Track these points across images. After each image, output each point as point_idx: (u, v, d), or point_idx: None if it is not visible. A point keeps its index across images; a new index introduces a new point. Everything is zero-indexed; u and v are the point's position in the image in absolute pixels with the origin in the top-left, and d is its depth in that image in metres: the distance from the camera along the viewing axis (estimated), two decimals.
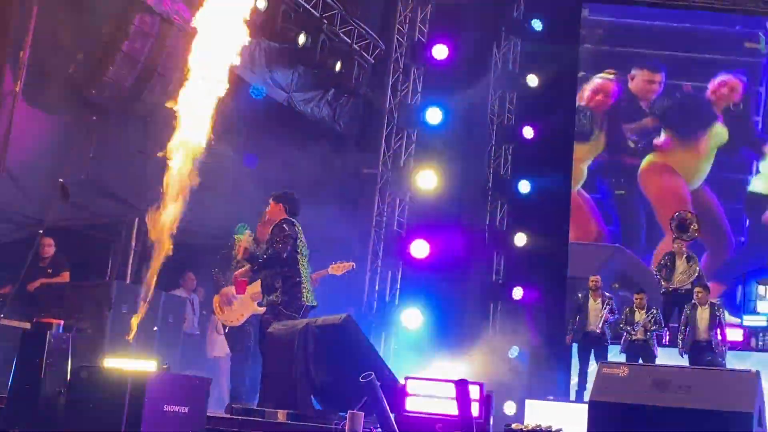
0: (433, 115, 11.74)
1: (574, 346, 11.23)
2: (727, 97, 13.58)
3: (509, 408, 11.37)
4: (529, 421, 9.97)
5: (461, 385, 5.33)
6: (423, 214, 11.84)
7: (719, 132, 13.49)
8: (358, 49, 11.00)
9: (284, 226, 6.69)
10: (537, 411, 10.10)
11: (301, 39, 9.91)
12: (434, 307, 11.49)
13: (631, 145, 13.57)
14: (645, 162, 13.59)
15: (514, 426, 5.58)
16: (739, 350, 11.20)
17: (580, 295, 11.17)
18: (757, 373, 6.45)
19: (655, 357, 10.69)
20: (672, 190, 13.38)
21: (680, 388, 6.35)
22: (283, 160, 9.83)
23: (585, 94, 13.53)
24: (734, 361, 10.89)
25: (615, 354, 10.90)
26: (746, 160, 13.58)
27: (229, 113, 9.13)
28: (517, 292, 12.26)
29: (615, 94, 13.61)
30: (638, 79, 13.67)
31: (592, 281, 11.21)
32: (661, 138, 13.61)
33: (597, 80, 13.61)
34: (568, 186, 12.92)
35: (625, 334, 10.83)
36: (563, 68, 12.55)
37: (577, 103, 13.48)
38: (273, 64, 10.30)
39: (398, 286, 11.79)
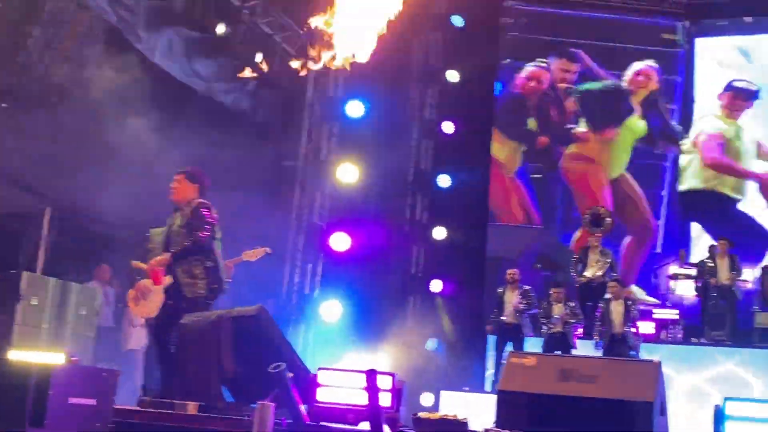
0: (355, 109, 11.81)
1: (492, 338, 11.48)
2: (644, 86, 14.03)
3: (426, 399, 11.54)
4: (443, 411, 10.17)
5: (371, 375, 5.42)
6: (344, 207, 11.91)
7: (636, 122, 13.98)
8: (279, 40, 10.99)
9: (206, 210, 6.62)
10: (452, 402, 10.30)
11: (220, 29, 9.86)
12: (354, 299, 11.57)
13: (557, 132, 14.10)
14: (567, 150, 14.09)
15: (421, 415, 5.70)
16: (650, 342, 11.61)
17: (500, 289, 11.43)
18: (659, 363, 6.73)
19: (572, 349, 10.99)
20: (591, 179, 13.88)
21: (585, 377, 6.58)
22: (203, 150, 9.75)
23: (519, 81, 13.97)
24: (646, 354, 11.29)
25: (533, 346, 11.19)
26: (663, 149, 14.17)
27: (148, 102, 9.10)
28: (436, 285, 12.44)
29: (547, 81, 14.05)
30: (554, 68, 14.11)
31: (510, 274, 11.49)
32: (581, 127, 14.09)
33: (530, 68, 14.03)
34: (486, 179, 13.18)
35: (543, 327, 11.13)
36: (483, 63, 12.76)
37: (511, 90, 13.93)
38: (193, 54, 10.22)
39: (318, 279, 11.82)
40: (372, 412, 5.47)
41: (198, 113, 10.20)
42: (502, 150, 13.88)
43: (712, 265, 11.73)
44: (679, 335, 11.73)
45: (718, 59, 14.09)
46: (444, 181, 12.83)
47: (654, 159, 14.12)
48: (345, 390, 6.42)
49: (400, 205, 12.73)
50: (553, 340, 10.87)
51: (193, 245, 6.50)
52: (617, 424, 6.31)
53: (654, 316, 12.01)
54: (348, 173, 11.81)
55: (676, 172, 14.02)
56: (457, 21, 12.67)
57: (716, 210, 13.80)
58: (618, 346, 10.57)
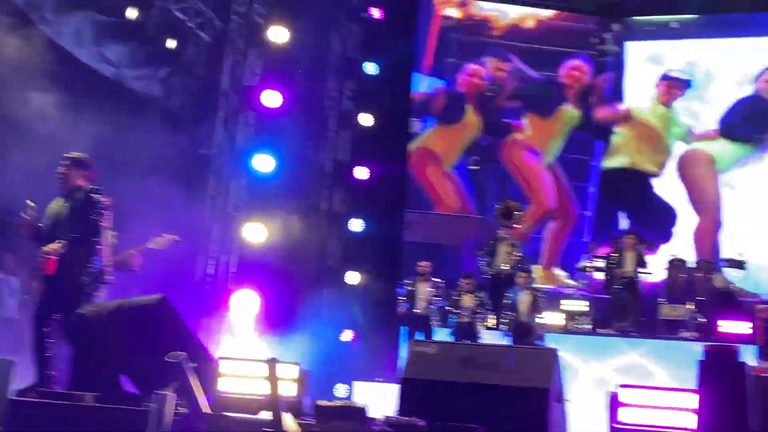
0: (272, 98, 11.77)
1: (404, 329, 11.63)
2: (578, 80, 14.83)
3: (340, 390, 11.63)
4: (355, 401, 10.26)
5: (271, 365, 5.45)
6: (259, 197, 11.86)
7: (571, 112, 14.76)
8: (193, 27, 10.89)
9: (97, 197, 6.54)
10: (364, 392, 10.41)
11: (131, 13, 9.71)
12: (269, 290, 11.55)
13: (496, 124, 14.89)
14: (509, 139, 14.82)
15: (321, 403, 5.76)
16: (559, 333, 11.93)
17: (411, 280, 11.60)
18: (555, 351, 6.94)
19: (479, 339, 11.22)
20: (532, 167, 14.66)
21: (486, 364, 6.75)
22: (111, 136, 9.60)
23: (461, 78, 14.66)
24: (554, 344, 11.59)
25: (443, 336, 11.39)
26: (589, 143, 15.04)
27: (54, 87, 8.90)
28: (351, 277, 12.52)
29: (488, 77, 14.82)
30: (489, 66, 14.84)
31: (421, 266, 11.68)
32: (520, 119, 14.89)
33: (471, 65, 14.70)
34: (404, 172, 13.32)
35: (452, 317, 11.35)
36: (401, 56, 12.90)
37: (454, 87, 14.60)
38: (103, 39, 10.05)
39: (232, 270, 11.76)
40: (272, 402, 5.50)
41: (106, 98, 10.02)
42: (440, 143, 14.42)
43: (619, 257, 12.10)
44: (587, 326, 12.07)
45: (646, 61, 15.01)
46: (361, 172, 12.90)
47: (583, 155, 14.95)
48: (247, 379, 6.46)
49: (317, 196, 12.77)
50: (461, 330, 11.08)
51: (84, 233, 6.42)
52: (515, 411, 6.50)
53: (562, 307, 12.34)
54: (264, 164, 11.76)
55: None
56: (375, 13, 12.75)
57: (635, 191, 14.71)
58: (524, 335, 10.83)
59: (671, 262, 12.50)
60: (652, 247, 13.25)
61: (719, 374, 5.90)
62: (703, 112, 14.86)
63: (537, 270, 13.51)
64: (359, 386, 10.77)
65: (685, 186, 14.65)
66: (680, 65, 14.99)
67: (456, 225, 14.04)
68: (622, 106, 15.06)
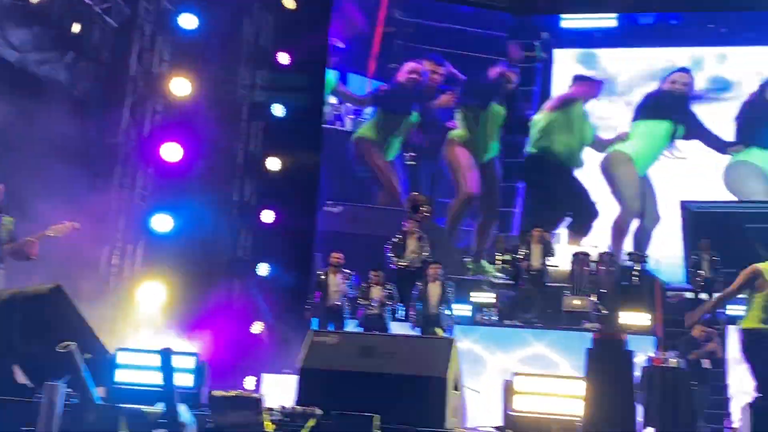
0: (180, 86, 11.66)
1: (315, 321, 11.71)
2: (504, 84, 15.80)
3: (249, 382, 11.64)
4: (264, 393, 10.31)
5: (165, 355, 5.47)
6: (168, 187, 11.75)
7: (499, 110, 15.60)
8: (100, 12, 10.70)
9: None
10: (273, 384, 10.47)
11: None
12: (176, 281, 11.47)
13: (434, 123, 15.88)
14: (448, 137, 15.64)
15: (216, 393, 5.80)
16: (467, 325, 12.20)
17: (321, 272, 11.69)
18: (453, 340, 7.14)
19: (388, 330, 11.38)
20: (464, 163, 15.42)
21: (385, 354, 6.90)
22: (15, 124, 9.39)
23: (401, 75, 15.56)
24: (462, 336, 11.86)
25: (353, 327, 11.52)
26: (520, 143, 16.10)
27: None
28: (263, 268, 12.53)
29: (425, 76, 15.72)
30: (426, 68, 15.80)
31: (334, 258, 11.78)
32: (455, 119, 15.75)
33: (411, 63, 15.60)
34: (317, 164, 13.38)
35: (362, 308, 11.48)
36: (314, 47, 12.94)
37: (395, 83, 15.43)
38: (6, 23, 9.80)
39: (139, 260, 11.63)
40: (167, 392, 5.52)
41: (9, 83, 9.78)
42: (380, 134, 15.25)
43: (526, 251, 12.43)
44: (494, 317, 12.37)
45: (571, 67, 16.20)
46: (273, 163, 12.91)
47: (515, 158, 16.10)
48: (143, 370, 6.45)
49: (228, 186, 12.72)
50: (370, 322, 11.22)
51: None
52: (413, 399, 6.66)
53: (471, 299, 12.62)
54: (172, 153, 11.65)
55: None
56: (288, 3, 12.75)
57: (553, 174, 15.66)
58: (432, 326, 11.04)
59: (575, 255, 12.91)
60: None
61: (606, 362, 6.17)
62: (618, 113, 15.89)
63: (468, 262, 13.91)
64: (268, 378, 10.82)
65: (608, 183, 15.61)
66: (603, 72, 16.02)
67: (394, 218, 14.22)
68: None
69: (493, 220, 15.69)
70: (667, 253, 15.14)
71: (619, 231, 15.43)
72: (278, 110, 12.88)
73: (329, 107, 15.21)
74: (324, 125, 14.02)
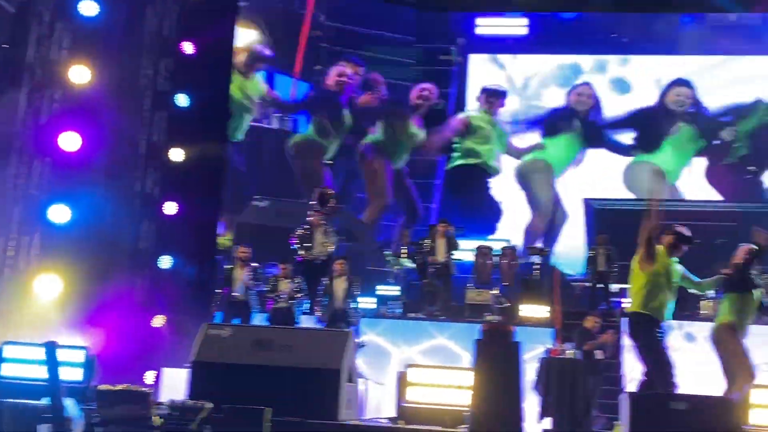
0: (80, 74, 11.44)
1: (220, 314, 11.72)
2: (426, 99, 16.72)
3: (149, 377, 11.53)
4: (165, 388, 10.30)
5: (50, 349, 5.44)
6: (66, 177, 11.53)
7: (415, 132, 16.68)
8: None
9: None
10: (173, 379, 10.41)
11: None
12: (75, 274, 11.27)
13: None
14: (364, 140, 16.50)
15: (102, 387, 5.80)
16: (372, 317, 12.39)
17: (228, 266, 11.71)
18: (349, 332, 7.29)
19: (297, 324, 11.48)
20: (379, 167, 16.21)
21: (281, 347, 7.00)
22: None
23: (330, 79, 16.33)
24: (367, 329, 12.06)
25: (260, 321, 11.59)
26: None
27: None
28: (165, 261, 12.42)
29: (352, 77, 16.44)
30: (348, 70, 16.52)
31: (240, 252, 11.82)
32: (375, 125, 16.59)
33: (338, 68, 16.30)
34: (222, 155, 13.33)
35: (270, 302, 11.56)
36: (220, 37, 12.86)
37: (325, 85, 16.21)
38: None
39: (35, 253, 11.38)
40: (51, 386, 5.49)
41: None
42: (319, 138, 16.07)
43: (431, 244, 12.69)
44: (399, 310, 12.59)
45: (486, 72, 17.24)
46: (177, 154, 12.78)
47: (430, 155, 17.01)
48: (30, 364, 6.38)
49: (129, 177, 12.53)
50: (279, 315, 11.31)
51: None
52: (307, 392, 6.79)
53: (377, 292, 12.81)
54: (72, 142, 11.42)
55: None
56: None
57: (474, 184, 16.55)
58: (339, 320, 11.19)
59: (479, 248, 13.25)
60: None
61: (494, 352, 6.39)
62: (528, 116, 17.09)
63: (388, 255, 14.20)
64: (169, 372, 10.75)
65: (523, 189, 16.68)
66: (517, 76, 17.23)
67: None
68: (461, 115, 16.18)
69: (414, 219, 16.37)
70: (573, 246, 15.78)
71: (531, 235, 16.07)
72: (182, 100, 12.74)
73: (256, 106, 15.61)
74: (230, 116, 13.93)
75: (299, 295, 11.47)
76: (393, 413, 7.60)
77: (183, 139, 12.84)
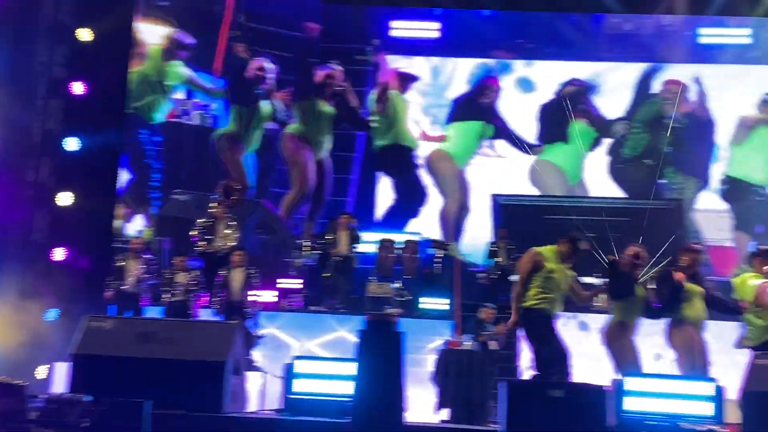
0: None
1: (113, 307, 11.62)
2: (330, 83, 16.55)
3: (41, 372, 11.39)
4: (56, 383, 10.20)
5: None
6: None
7: (327, 109, 16.47)
8: None
9: None
10: (64, 373, 10.32)
11: None
12: None
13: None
14: (285, 131, 16.42)
15: None
16: (271, 311, 12.47)
17: (121, 256, 11.64)
18: (236, 325, 7.39)
19: (195, 317, 11.45)
20: (302, 158, 16.18)
21: (165, 339, 7.05)
22: None
23: (250, 70, 16.21)
24: (267, 322, 12.13)
25: (156, 314, 11.54)
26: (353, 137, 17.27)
27: None
28: (58, 252, 12.26)
29: (270, 72, 16.36)
30: (255, 66, 16.34)
31: (133, 243, 11.74)
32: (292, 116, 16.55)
33: (258, 62, 16.21)
34: (118, 145, 13.23)
35: (165, 295, 11.52)
36: (119, 25, 12.74)
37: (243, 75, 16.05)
38: None
39: None
40: None
41: None
42: (239, 129, 15.99)
43: (332, 237, 12.84)
44: (299, 303, 12.71)
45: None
46: (72, 144, 12.61)
47: (349, 151, 17.14)
48: None
49: (22, 167, 12.32)
50: (174, 308, 11.28)
51: None
52: (191, 384, 6.87)
53: (278, 285, 12.89)
54: None
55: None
56: None
57: (401, 163, 16.79)
58: (236, 313, 11.21)
59: (382, 242, 13.45)
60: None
61: (376, 343, 6.57)
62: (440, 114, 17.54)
63: (305, 246, 14.25)
64: (60, 367, 10.64)
65: (432, 178, 16.96)
66: (430, 76, 17.69)
67: (243, 206, 14.62)
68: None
69: (319, 208, 16.37)
70: (479, 240, 16.21)
71: (445, 220, 16.50)
72: (78, 88, 12.57)
73: (175, 102, 15.62)
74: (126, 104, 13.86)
75: (195, 287, 11.46)
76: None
77: (79, 129, 12.69)
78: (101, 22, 12.55)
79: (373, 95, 16.85)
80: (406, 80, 17.26)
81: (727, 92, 16.55)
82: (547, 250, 8.98)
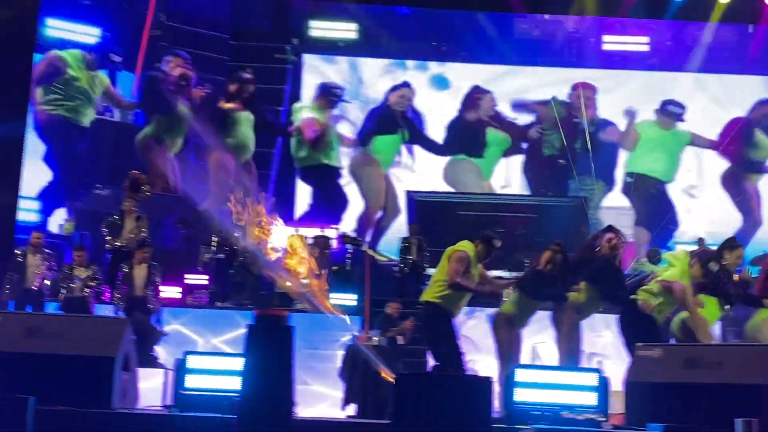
0: None
1: (11, 303, 11.49)
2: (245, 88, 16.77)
3: None
4: None
5: None
6: None
7: (245, 115, 16.70)
8: None
9: None
10: None
11: None
12: None
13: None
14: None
15: None
16: (176, 307, 12.49)
17: (19, 251, 11.53)
18: (126, 320, 7.44)
19: (93, 313, 11.42)
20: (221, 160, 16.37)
21: (53, 334, 7.07)
22: None
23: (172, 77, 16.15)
24: (171, 318, 12.16)
25: (54, 310, 11.45)
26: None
27: None
28: None
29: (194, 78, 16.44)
30: (174, 64, 16.23)
31: (34, 237, 11.65)
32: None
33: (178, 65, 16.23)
34: (21, 136, 13.09)
35: (63, 290, 11.46)
36: (22, 12, 12.61)
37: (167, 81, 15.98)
38: None
39: None
40: None
41: None
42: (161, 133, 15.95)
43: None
44: (205, 299, 12.75)
45: (320, 72, 18.08)
46: None
47: (268, 147, 17.36)
48: None
49: None
50: (72, 304, 11.22)
51: None
52: (79, 380, 6.91)
53: (185, 281, 12.92)
54: None
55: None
56: None
57: (322, 179, 17.05)
58: (138, 309, 11.21)
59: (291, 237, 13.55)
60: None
61: (265, 338, 6.68)
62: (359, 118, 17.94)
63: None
64: None
65: (355, 182, 17.32)
66: (350, 76, 18.16)
67: (164, 203, 15.24)
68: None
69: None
70: (392, 235, 16.57)
71: (363, 222, 17.03)
72: None
73: (98, 99, 15.69)
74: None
75: (94, 283, 11.42)
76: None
77: None
78: (3, 10, 12.39)
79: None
80: (331, 94, 17.41)
81: (631, 98, 17.50)
82: (471, 251, 9.22)
